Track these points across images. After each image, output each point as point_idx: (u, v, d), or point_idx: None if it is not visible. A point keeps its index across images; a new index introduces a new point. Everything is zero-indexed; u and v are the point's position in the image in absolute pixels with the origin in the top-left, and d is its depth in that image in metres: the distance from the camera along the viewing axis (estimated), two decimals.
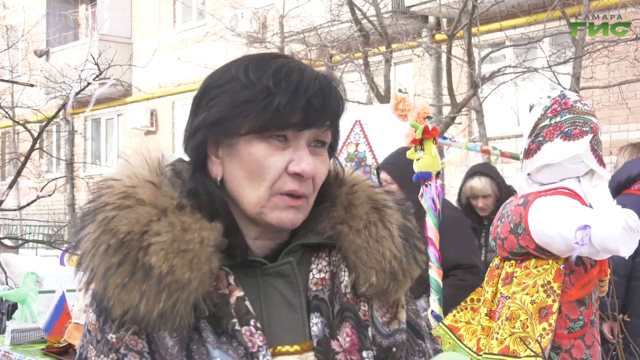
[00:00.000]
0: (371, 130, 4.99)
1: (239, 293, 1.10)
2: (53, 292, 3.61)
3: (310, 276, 1.17)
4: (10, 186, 5.89)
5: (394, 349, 1.21)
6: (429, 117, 3.43)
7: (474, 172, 4.44)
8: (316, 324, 1.13)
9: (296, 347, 1.13)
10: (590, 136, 2.51)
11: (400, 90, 3.67)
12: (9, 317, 3.97)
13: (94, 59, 5.68)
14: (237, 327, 1.08)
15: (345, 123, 5.13)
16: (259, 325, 1.09)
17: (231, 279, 1.11)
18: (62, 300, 3.46)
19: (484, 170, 4.47)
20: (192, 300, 1.04)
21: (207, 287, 1.06)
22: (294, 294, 1.15)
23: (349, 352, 1.13)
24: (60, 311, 3.46)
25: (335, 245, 1.19)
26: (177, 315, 1.04)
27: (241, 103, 1.09)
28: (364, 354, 1.14)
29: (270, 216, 1.11)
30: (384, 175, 3.80)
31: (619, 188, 3.73)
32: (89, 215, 1.09)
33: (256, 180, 1.10)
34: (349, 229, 1.18)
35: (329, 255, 1.20)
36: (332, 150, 1.20)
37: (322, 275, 1.17)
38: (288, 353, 1.12)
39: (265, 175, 1.10)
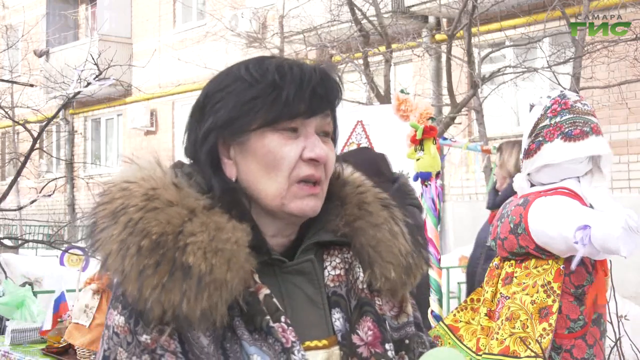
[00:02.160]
0: (373, 130, 5.00)
1: (265, 291, 1.12)
2: (53, 292, 3.61)
3: (326, 273, 1.20)
4: (10, 186, 5.90)
5: (407, 341, 1.26)
6: (432, 119, 3.43)
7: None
8: (338, 319, 1.17)
9: (324, 342, 1.16)
10: (603, 138, 2.51)
11: (402, 91, 3.67)
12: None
13: (93, 59, 5.69)
14: (271, 323, 1.09)
15: (347, 123, 5.12)
16: (289, 321, 1.11)
17: (256, 277, 1.12)
18: (58, 302, 3.47)
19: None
20: (230, 299, 1.06)
21: (243, 286, 1.08)
22: (315, 290, 1.18)
23: (372, 345, 1.17)
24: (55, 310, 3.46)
25: (349, 243, 1.23)
26: (217, 315, 1.05)
27: (249, 100, 1.12)
28: (387, 346, 1.18)
29: (291, 206, 1.14)
30: None
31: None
32: (106, 218, 1.08)
33: (273, 171, 1.13)
34: (368, 224, 1.23)
35: (340, 252, 1.23)
36: (333, 142, 1.23)
37: (338, 271, 1.21)
38: (317, 348, 1.15)
39: (282, 164, 1.13)
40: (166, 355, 1.06)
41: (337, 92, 1.19)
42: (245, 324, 1.09)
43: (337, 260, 1.22)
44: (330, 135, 1.20)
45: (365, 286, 1.21)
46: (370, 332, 1.18)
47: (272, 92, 1.12)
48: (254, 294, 1.10)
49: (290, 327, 1.10)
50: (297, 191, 1.14)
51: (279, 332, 1.09)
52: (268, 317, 1.09)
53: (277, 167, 1.13)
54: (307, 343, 1.14)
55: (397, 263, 1.22)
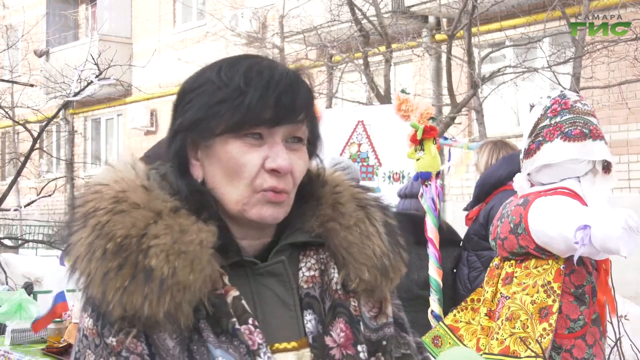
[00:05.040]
0: (374, 130, 5.00)
1: (234, 293, 1.12)
2: (51, 292, 3.62)
3: (300, 274, 1.20)
4: (10, 186, 5.90)
5: (384, 342, 1.24)
6: (432, 118, 3.43)
7: None
8: (310, 320, 1.16)
9: (293, 344, 1.15)
10: (602, 141, 2.51)
11: (403, 91, 3.68)
12: None
13: (93, 59, 5.69)
14: (237, 326, 1.09)
15: (348, 123, 5.15)
16: (256, 323, 1.11)
17: (226, 279, 1.12)
18: (56, 301, 3.46)
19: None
20: (195, 301, 1.06)
21: (208, 288, 1.08)
22: (287, 292, 1.18)
23: (344, 347, 1.16)
24: (49, 310, 3.46)
25: (324, 243, 1.22)
26: (181, 317, 1.05)
27: (215, 104, 1.11)
28: (359, 347, 1.18)
29: (251, 212, 1.13)
30: None
31: (494, 187, 3.51)
32: (78, 221, 1.10)
33: (234, 179, 1.13)
34: (340, 226, 1.21)
35: (316, 253, 1.22)
36: (312, 147, 1.22)
37: (312, 272, 1.20)
38: (286, 350, 1.15)
39: (243, 172, 1.12)
40: (131, 358, 1.08)
41: (307, 99, 1.16)
42: (211, 326, 1.10)
43: (313, 261, 1.21)
44: (305, 140, 1.18)
45: (339, 287, 1.20)
46: (342, 334, 1.17)
47: (237, 98, 1.11)
48: (221, 296, 1.11)
49: (257, 330, 1.10)
50: (260, 197, 1.13)
51: (246, 334, 1.09)
52: (234, 319, 1.10)
53: (238, 174, 1.12)
54: (277, 345, 1.14)
55: (372, 264, 1.20)
